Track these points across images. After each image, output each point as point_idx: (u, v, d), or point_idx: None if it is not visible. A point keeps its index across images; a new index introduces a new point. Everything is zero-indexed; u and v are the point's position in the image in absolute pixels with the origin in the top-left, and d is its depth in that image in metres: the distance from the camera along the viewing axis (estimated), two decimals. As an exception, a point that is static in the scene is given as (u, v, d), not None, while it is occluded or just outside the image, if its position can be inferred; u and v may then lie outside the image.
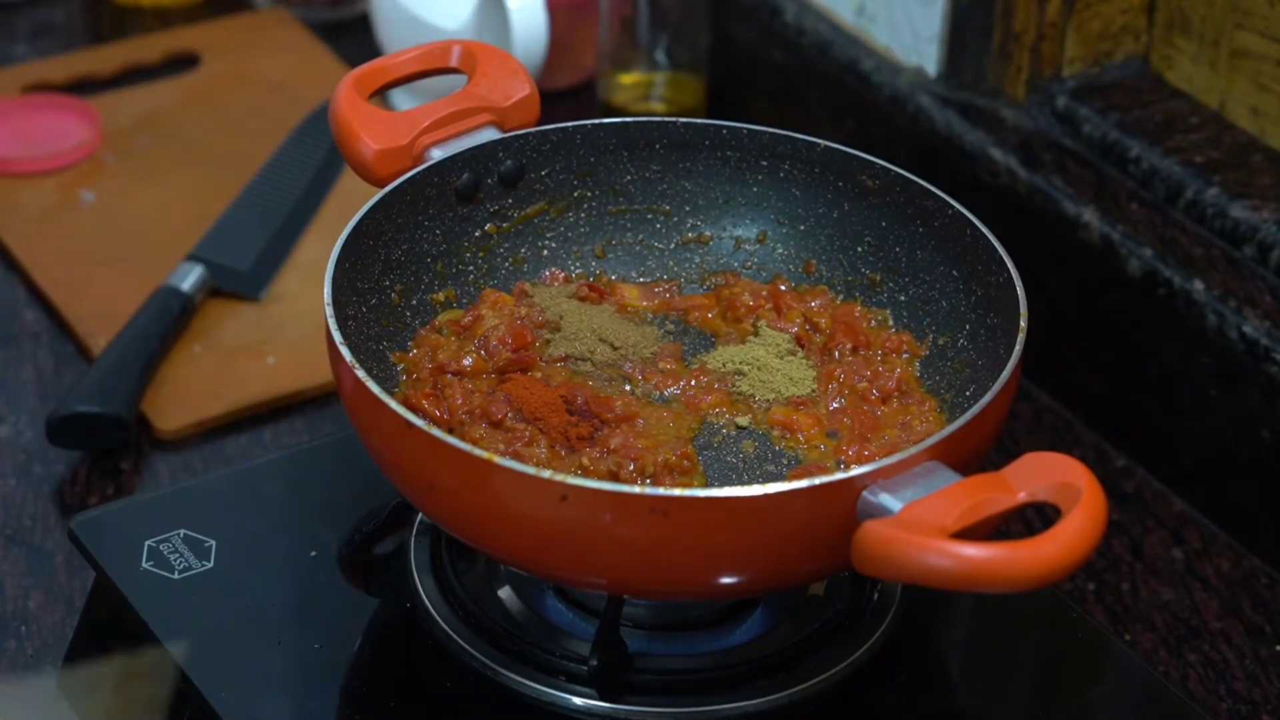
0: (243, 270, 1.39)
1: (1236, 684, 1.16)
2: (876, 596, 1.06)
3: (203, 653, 1.04)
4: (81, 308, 1.37)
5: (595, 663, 1.00)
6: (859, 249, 1.14)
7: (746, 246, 1.17)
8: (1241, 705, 1.14)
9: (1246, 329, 1.22)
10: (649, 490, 0.91)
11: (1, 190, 1.48)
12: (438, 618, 1.04)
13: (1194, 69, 1.34)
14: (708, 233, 1.17)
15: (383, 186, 1.09)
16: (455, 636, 1.03)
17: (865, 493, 0.91)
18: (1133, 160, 1.31)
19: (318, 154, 1.49)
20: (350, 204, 1.08)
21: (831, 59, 1.47)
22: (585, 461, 1.02)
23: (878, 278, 1.14)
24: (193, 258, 1.39)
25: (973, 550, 0.87)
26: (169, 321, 1.33)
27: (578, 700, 1.00)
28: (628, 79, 1.54)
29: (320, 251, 1.42)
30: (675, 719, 1.00)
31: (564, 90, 1.59)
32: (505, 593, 1.06)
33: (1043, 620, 1.10)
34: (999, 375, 0.98)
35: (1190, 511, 1.27)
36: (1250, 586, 1.22)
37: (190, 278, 1.37)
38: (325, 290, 1.01)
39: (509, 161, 1.13)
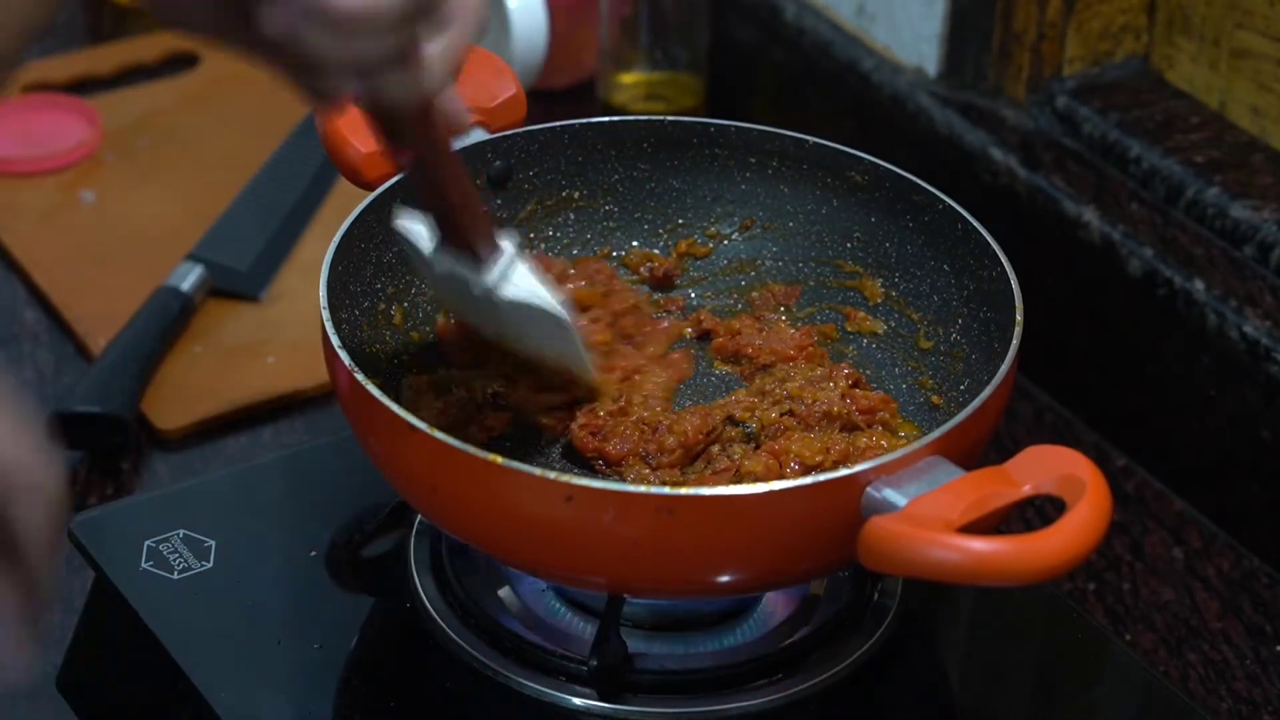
0: (243, 270, 1.39)
1: (1237, 684, 1.15)
2: (876, 596, 1.06)
3: (202, 653, 1.03)
4: (81, 308, 1.37)
5: (595, 662, 1.00)
6: (848, 245, 1.14)
7: (734, 243, 1.17)
8: (1242, 705, 1.14)
9: (1247, 329, 1.21)
10: (655, 489, 0.91)
11: (1, 190, 1.47)
12: (437, 617, 1.04)
13: (1194, 69, 1.34)
14: (695, 231, 1.17)
15: (372, 190, 1.09)
16: (455, 636, 1.03)
17: (869, 488, 0.91)
18: (1133, 160, 1.31)
19: (317, 153, 1.48)
20: (350, 203, 1.08)
21: (831, 59, 1.47)
22: None
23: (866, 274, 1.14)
24: (193, 258, 1.39)
25: (981, 544, 0.87)
26: (169, 321, 1.33)
27: (577, 700, 1.00)
28: (628, 79, 1.54)
29: (320, 251, 1.41)
30: (675, 719, 1.00)
31: (564, 90, 1.59)
32: (505, 592, 1.06)
33: (1043, 620, 1.10)
34: (996, 368, 0.98)
35: (1190, 511, 1.27)
36: (1250, 586, 1.22)
37: (190, 278, 1.36)
38: (320, 294, 1.01)
39: (497, 162, 1.13)
